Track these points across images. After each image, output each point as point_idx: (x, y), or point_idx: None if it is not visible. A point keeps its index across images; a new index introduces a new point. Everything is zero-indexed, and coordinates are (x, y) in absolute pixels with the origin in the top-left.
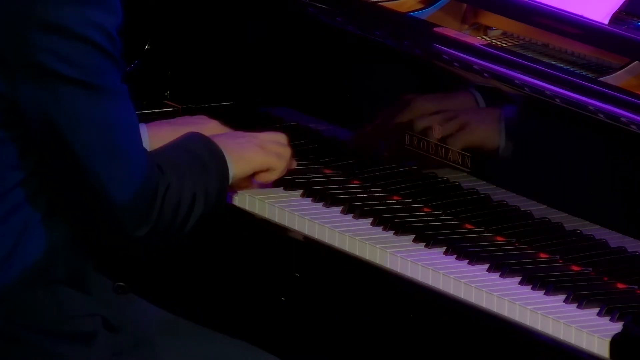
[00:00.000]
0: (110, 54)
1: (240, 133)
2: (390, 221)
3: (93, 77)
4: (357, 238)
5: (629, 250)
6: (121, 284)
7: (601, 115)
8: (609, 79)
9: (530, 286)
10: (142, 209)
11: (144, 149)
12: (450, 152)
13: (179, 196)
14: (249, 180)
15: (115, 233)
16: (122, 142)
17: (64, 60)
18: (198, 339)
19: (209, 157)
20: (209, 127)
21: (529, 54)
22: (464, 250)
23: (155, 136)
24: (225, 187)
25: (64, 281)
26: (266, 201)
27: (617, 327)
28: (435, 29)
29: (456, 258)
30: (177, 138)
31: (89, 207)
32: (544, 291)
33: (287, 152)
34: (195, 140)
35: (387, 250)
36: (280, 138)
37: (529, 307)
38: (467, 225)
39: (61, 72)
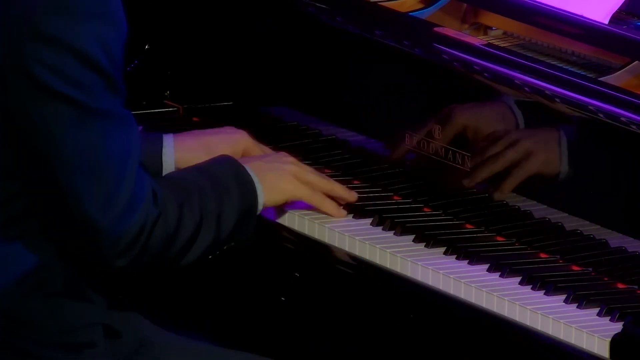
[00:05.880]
0: (105, 72)
1: (276, 157)
2: (390, 221)
3: (82, 95)
4: (357, 238)
5: (629, 250)
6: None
7: (601, 115)
8: (609, 79)
9: (530, 286)
10: (124, 239)
11: (140, 179)
12: (450, 152)
13: (176, 227)
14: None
15: (94, 260)
16: (108, 167)
17: (54, 72)
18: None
19: (234, 182)
20: (237, 137)
21: (529, 54)
22: (464, 250)
23: (181, 144)
24: (250, 214)
25: (63, 293)
26: None
27: (617, 327)
28: (435, 29)
29: (456, 258)
30: (207, 160)
31: (67, 229)
32: (544, 291)
33: (321, 183)
34: (222, 163)
35: (387, 250)
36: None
37: (529, 307)
38: (467, 225)
39: (50, 84)
